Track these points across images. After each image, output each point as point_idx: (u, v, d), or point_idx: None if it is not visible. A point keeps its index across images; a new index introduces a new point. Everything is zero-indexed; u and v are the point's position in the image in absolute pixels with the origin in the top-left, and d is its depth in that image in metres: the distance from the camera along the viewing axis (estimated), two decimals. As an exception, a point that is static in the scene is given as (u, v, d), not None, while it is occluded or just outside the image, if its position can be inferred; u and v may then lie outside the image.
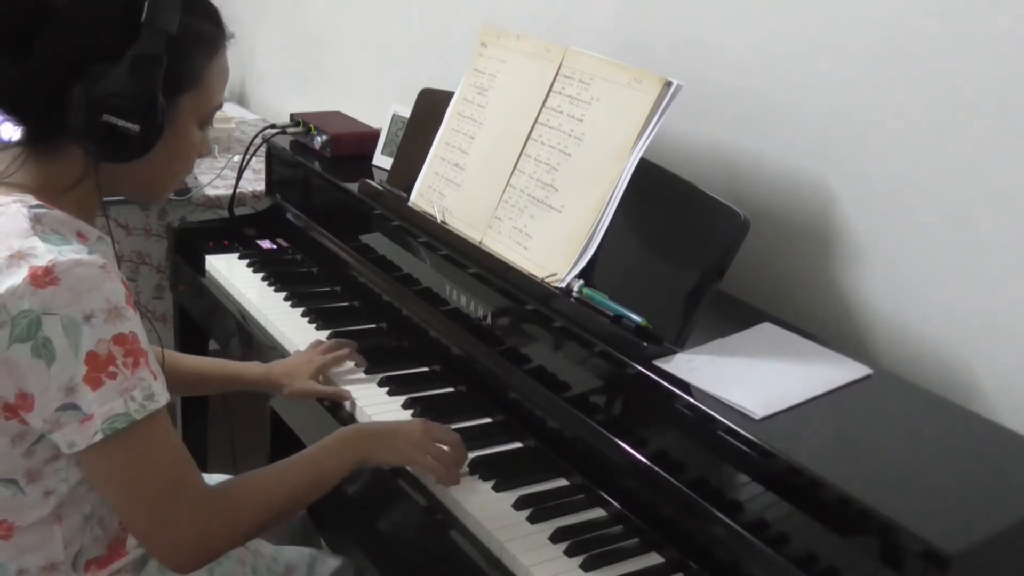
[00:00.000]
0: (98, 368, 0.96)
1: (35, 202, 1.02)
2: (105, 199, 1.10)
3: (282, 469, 1.14)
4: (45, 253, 0.96)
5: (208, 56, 1.09)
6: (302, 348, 1.56)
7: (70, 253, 0.96)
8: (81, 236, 1.04)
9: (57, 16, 0.98)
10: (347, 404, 1.44)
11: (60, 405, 0.96)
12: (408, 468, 1.27)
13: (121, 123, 1.00)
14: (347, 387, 1.46)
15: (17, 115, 1.04)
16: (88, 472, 1.03)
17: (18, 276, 0.94)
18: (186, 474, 1.04)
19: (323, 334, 1.63)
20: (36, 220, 1.00)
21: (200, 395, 1.53)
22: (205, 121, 1.13)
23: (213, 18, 1.11)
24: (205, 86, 1.10)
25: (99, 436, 0.96)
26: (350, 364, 1.52)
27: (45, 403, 0.96)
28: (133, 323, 0.99)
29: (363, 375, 1.51)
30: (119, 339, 0.97)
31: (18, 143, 1.06)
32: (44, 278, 0.94)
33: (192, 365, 1.47)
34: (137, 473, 1.00)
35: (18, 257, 0.95)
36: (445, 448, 1.23)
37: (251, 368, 1.52)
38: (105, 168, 1.05)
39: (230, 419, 2.10)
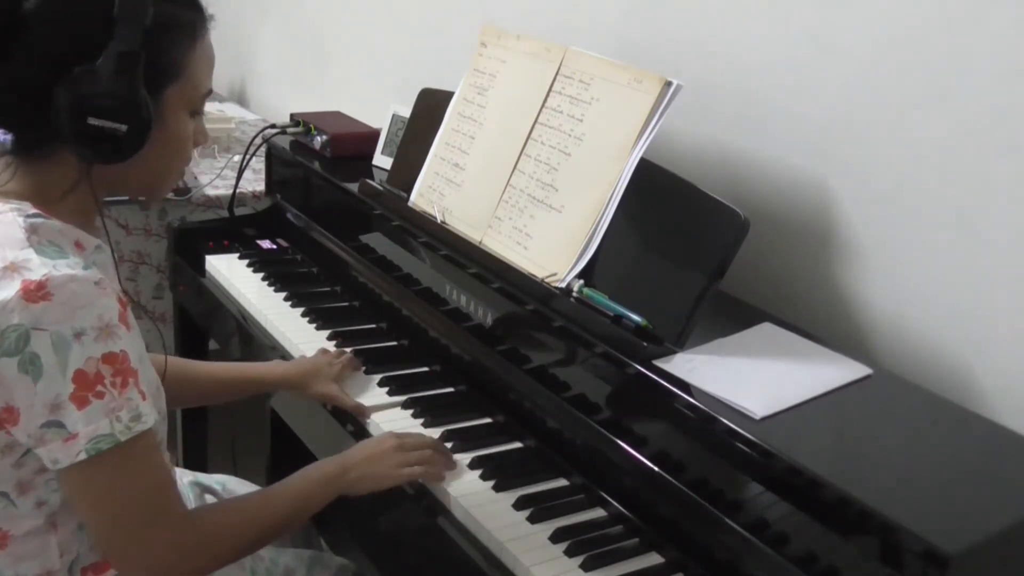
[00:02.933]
0: (85, 387, 0.94)
1: (32, 211, 1.01)
2: (105, 200, 1.09)
3: (261, 500, 1.13)
4: (39, 267, 0.94)
5: (189, 44, 1.06)
6: (302, 348, 1.57)
7: (65, 268, 0.95)
8: (79, 246, 1.02)
9: (29, 21, 0.96)
10: (364, 421, 1.42)
11: (45, 422, 0.94)
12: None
13: (108, 124, 0.97)
14: (348, 389, 1.46)
15: (4, 123, 1.03)
16: (68, 490, 1.01)
17: (10, 289, 0.93)
18: (166, 498, 1.02)
19: (323, 334, 1.63)
20: (32, 230, 0.98)
21: (219, 403, 1.52)
22: (196, 110, 1.10)
23: (191, 4, 1.08)
24: (190, 75, 1.06)
25: (82, 456, 0.95)
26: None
27: (30, 418, 0.95)
28: (125, 342, 0.97)
29: (362, 374, 1.51)
30: (109, 358, 0.95)
31: (9, 152, 1.04)
32: (36, 293, 0.92)
33: (208, 372, 1.45)
34: (117, 495, 0.99)
35: (12, 269, 0.94)
36: (420, 454, 1.23)
37: (271, 369, 1.51)
38: (101, 170, 1.03)
39: (230, 419, 2.09)
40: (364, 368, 1.52)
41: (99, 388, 0.95)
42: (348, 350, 1.54)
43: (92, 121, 0.97)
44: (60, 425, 0.94)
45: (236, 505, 1.14)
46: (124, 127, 0.98)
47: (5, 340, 0.92)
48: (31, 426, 0.95)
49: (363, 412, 1.42)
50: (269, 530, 1.12)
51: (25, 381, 0.93)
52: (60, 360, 0.93)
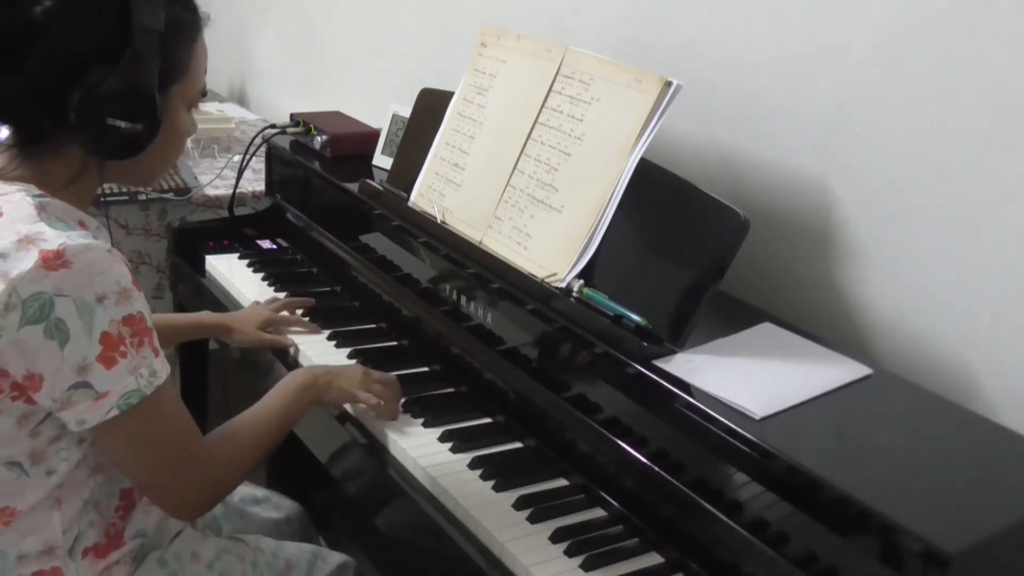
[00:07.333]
0: (111, 348, 0.99)
1: (38, 192, 1.05)
2: (104, 200, 1.12)
3: (255, 418, 1.22)
4: (54, 237, 0.98)
5: (190, 43, 1.12)
6: (302, 347, 1.58)
7: (78, 238, 0.99)
8: (83, 225, 1.06)
9: (41, 27, 0.99)
10: (291, 351, 1.58)
11: (72, 384, 0.99)
12: (350, 408, 1.40)
13: (124, 124, 1.03)
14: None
15: (16, 124, 1.06)
16: (103, 446, 1.07)
17: (28, 260, 0.96)
18: (193, 436, 1.11)
19: (323, 334, 1.63)
20: (41, 208, 1.02)
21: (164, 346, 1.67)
22: (193, 104, 1.16)
23: (188, 5, 1.13)
24: (191, 72, 1.13)
25: (114, 412, 1.00)
26: (317, 338, 1.61)
27: (56, 383, 0.98)
28: (140, 304, 1.02)
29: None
30: (128, 320, 1.00)
31: (14, 143, 1.07)
32: (55, 261, 0.96)
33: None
34: (153, 441, 1.06)
35: (27, 241, 0.97)
36: (382, 387, 1.35)
37: (203, 317, 1.66)
38: (105, 162, 1.08)
39: (230, 418, 2.09)
40: (311, 327, 1.63)
41: (122, 348, 1.00)
42: (300, 304, 1.69)
43: (111, 122, 1.02)
44: (88, 386, 0.99)
45: (236, 428, 1.20)
46: (140, 126, 1.05)
47: (28, 308, 0.96)
48: (57, 390, 0.99)
49: (287, 344, 1.58)
50: (268, 443, 1.22)
51: (51, 346, 0.97)
52: (86, 324, 0.97)
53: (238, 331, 1.60)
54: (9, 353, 0.97)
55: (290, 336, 1.61)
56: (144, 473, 1.09)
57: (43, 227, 0.99)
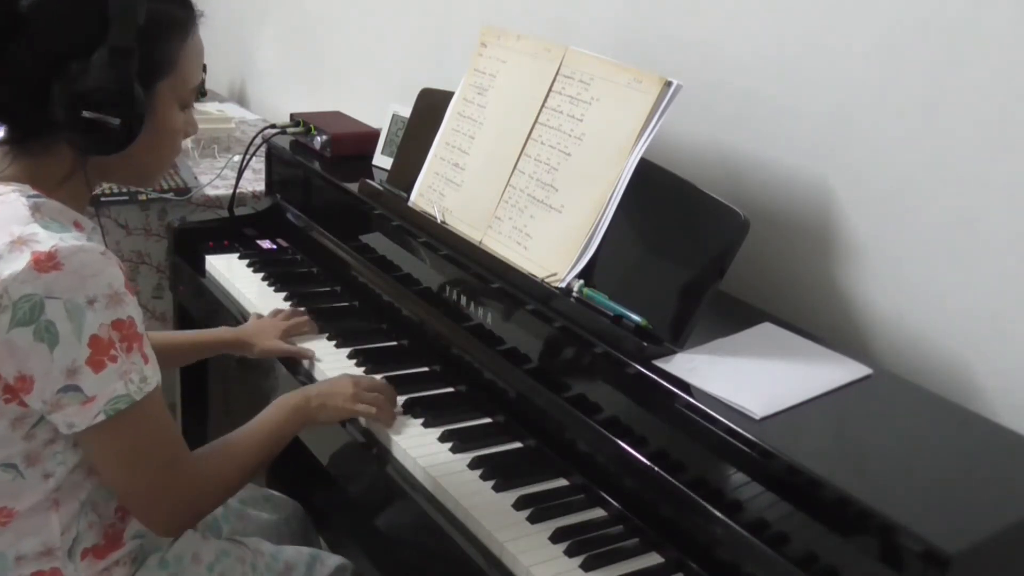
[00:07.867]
0: (100, 351, 0.98)
1: (33, 192, 1.04)
2: (105, 201, 1.12)
3: (246, 437, 1.21)
4: (47, 239, 0.98)
5: (180, 39, 1.10)
6: (302, 346, 1.57)
7: (71, 240, 0.99)
8: (78, 226, 1.06)
9: (26, 20, 0.99)
10: (306, 363, 1.56)
11: (62, 387, 0.98)
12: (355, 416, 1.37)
13: (102, 117, 1.02)
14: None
15: (6, 120, 1.06)
16: (89, 451, 1.06)
17: (20, 261, 0.96)
18: (179, 447, 1.10)
19: (323, 334, 1.63)
20: (35, 208, 1.02)
21: (176, 366, 1.64)
22: (185, 102, 1.14)
23: (181, 0, 1.12)
24: (181, 69, 1.11)
25: (101, 417, 1.00)
26: (317, 338, 1.62)
27: (46, 385, 0.98)
28: (131, 308, 1.01)
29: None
30: (117, 324, 1.00)
31: (5, 141, 1.07)
32: (47, 263, 0.96)
33: (162, 340, 1.51)
34: (138, 450, 1.05)
35: (20, 243, 0.97)
36: (376, 394, 1.35)
37: (221, 333, 1.61)
38: (95, 159, 1.08)
39: (230, 419, 2.10)
40: (312, 327, 1.63)
41: (112, 352, 0.99)
42: (301, 308, 1.68)
43: (87, 114, 1.01)
44: (77, 389, 0.99)
45: (227, 446, 1.20)
46: (118, 120, 1.03)
47: (19, 310, 0.96)
48: (47, 393, 0.99)
49: (307, 355, 1.55)
50: (256, 464, 1.21)
51: (41, 349, 0.97)
52: (75, 327, 0.97)
53: (258, 345, 1.57)
54: (0, 355, 0.97)
55: (303, 346, 1.59)
56: (130, 482, 1.07)
57: (36, 228, 0.99)
